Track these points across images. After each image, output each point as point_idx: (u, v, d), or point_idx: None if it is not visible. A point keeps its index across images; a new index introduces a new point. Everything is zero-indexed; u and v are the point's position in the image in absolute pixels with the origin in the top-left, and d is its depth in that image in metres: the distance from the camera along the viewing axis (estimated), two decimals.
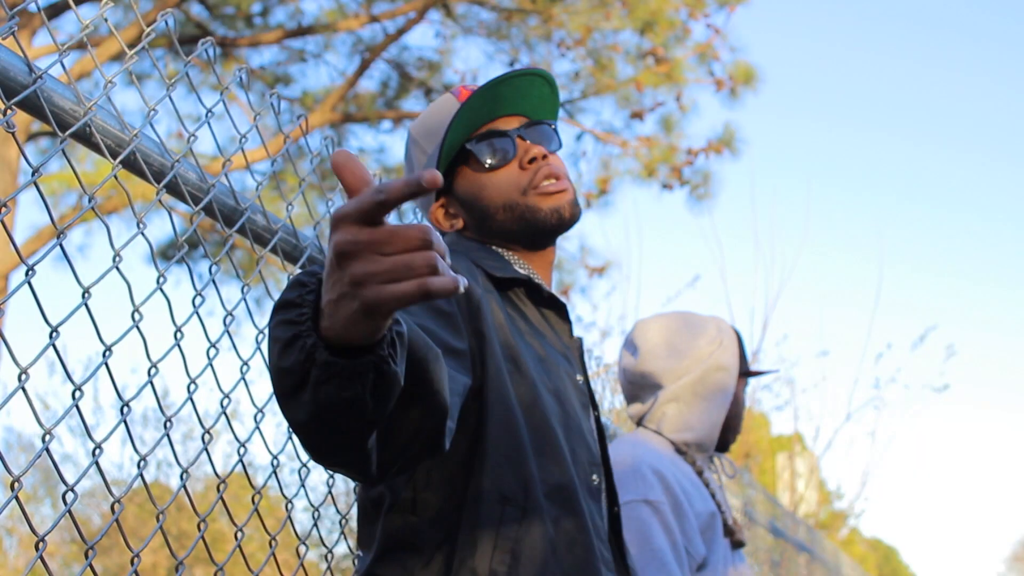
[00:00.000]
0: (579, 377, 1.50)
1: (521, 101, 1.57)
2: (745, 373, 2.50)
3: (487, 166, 1.53)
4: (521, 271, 1.53)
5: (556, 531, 1.31)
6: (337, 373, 0.89)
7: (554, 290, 1.55)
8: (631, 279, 16.95)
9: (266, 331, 1.01)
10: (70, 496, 1.26)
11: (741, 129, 9.75)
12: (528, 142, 1.54)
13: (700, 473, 2.37)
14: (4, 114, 1.25)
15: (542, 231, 1.52)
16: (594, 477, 1.41)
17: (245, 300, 1.82)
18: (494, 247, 1.56)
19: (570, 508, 1.33)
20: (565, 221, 1.52)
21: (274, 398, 1.80)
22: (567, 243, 10.47)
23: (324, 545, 1.96)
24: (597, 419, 1.57)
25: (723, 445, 2.51)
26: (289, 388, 0.93)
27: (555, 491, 1.33)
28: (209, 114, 1.69)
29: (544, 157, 1.53)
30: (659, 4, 9.18)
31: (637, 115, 9.62)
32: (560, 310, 1.54)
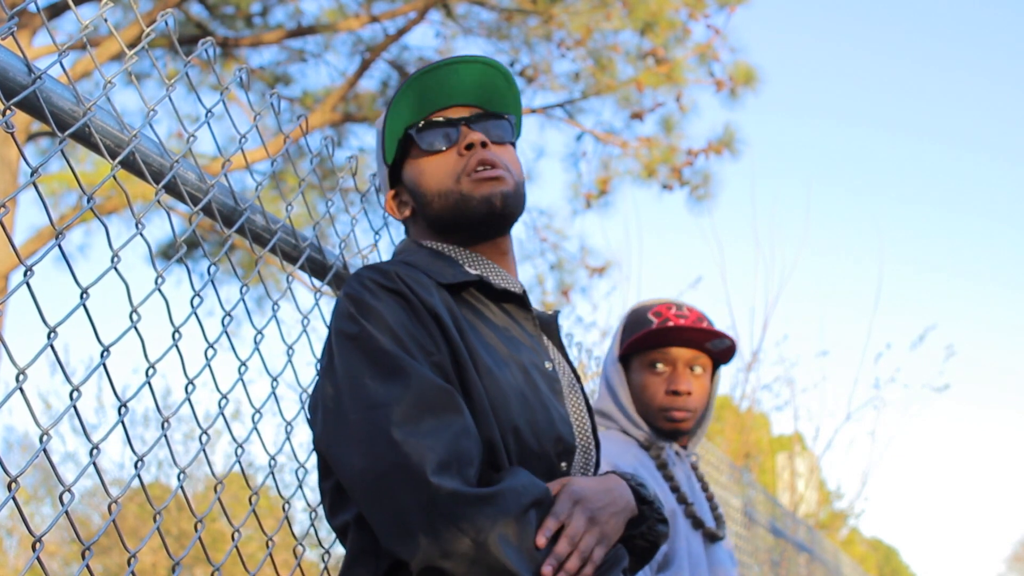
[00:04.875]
0: (547, 364, 1.48)
1: (474, 91, 1.54)
2: (622, 356, 2.42)
3: (425, 150, 1.52)
4: (472, 271, 1.50)
5: None
6: None
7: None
8: (631, 279, 16.92)
9: None
10: (68, 496, 1.26)
11: (741, 130, 9.75)
12: (472, 130, 1.52)
13: (664, 467, 2.34)
14: (3, 114, 1.25)
15: (472, 221, 1.49)
16: (562, 465, 1.40)
17: (244, 300, 1.82)
18: (444, 247, 1.54)
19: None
20: (496, 211, 1.49)
21: (273, 399, 1.80)
22: (567, 243, 10.48)
23: (322, 545, 1.96)
24: (586, 398, 1.57)
25: (664, 433, 2.40)
26: None
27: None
28: (209, 114, 1.69)
29: (484, 145, 1.50)
30: (659, 5, 9.18)
31: (637, 115, 9.62)
32: (518, 300, 1.53)
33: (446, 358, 1.33)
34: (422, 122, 1.53)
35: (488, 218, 1.49)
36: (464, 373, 1.33)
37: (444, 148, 1.52)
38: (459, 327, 1.37)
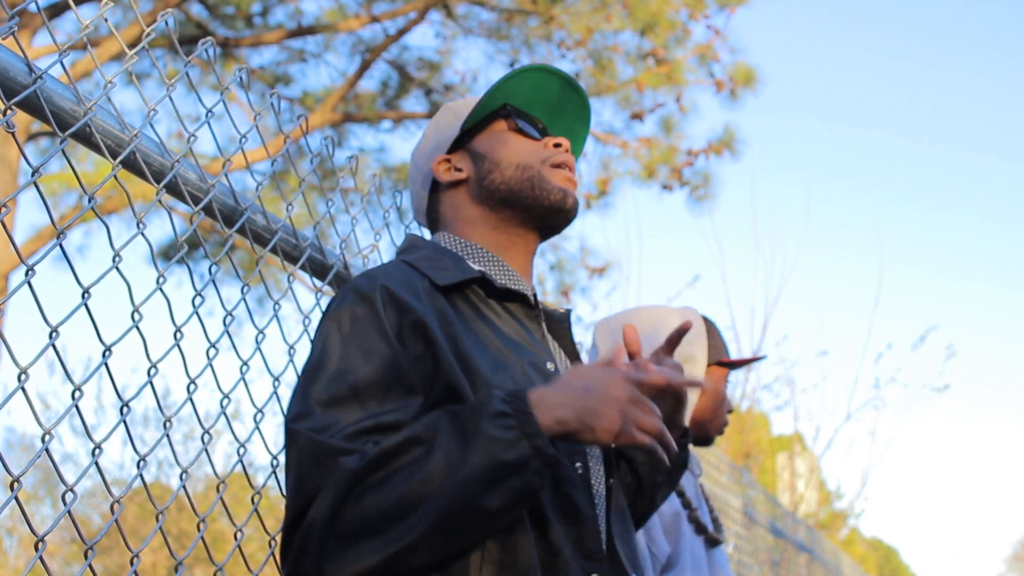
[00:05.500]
0: (549, 365, 1.44)
1: (560, 124, 1.67)
2: (720, 364, 2.46)
3: (518, 127, 1.58)
4: (475, 267, 1.48)
5: (527, 541, 1.26)
6: (549, 462, 1.18)
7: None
8: (631, 279, 16.94)
9: (471, 428, 1.18)
10: (70, 496, 1.26)
11: (741, 130, 9.76)
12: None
13: None
14: (4, 114, 1.25)
15: (539, 202, 1.51)
16: (577, 465, 1.37)
17: (245, 300, 1.82)
18: (455, 241, 1.53)
19: (539, 514, 1.29)
20: (566, 207, 1.52)
21: (274, 398, 1.79)
22: (567, 243, 10.48)
23: None
24: None
25: (704, 440, 2.47)
26: (498, 477, 1.15)
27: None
28: (209, 114, 1.69)
29: (567, 152, 1.59)
30: (660, 5, 9.18)
31: (637, 116, 9.62)
32: (523, 299, 1.50)
33: (410, 362, 1.28)
34: (519, 110, 1.60)
35: (555, 207, 1.52)
36: (454, 380, 1.29)
37: (535, 136, 1.59)
38: (450, 333, 1.34)
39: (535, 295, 1.55)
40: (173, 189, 1.60)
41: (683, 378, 1.38)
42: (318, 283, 2.02)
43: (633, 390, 1.26)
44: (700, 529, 2.37)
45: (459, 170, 1.57)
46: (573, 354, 1.57)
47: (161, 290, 1.51)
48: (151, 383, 1.49)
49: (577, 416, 1.22)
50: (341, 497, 1.16)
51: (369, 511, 1.15)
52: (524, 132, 1.58)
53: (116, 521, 1.34)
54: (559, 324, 1.57)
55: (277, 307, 1.88)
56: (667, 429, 1.59)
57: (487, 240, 1.54)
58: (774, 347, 13.80)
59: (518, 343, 1.43)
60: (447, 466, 1.15)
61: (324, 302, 1.99)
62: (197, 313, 1.59)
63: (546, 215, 1.53)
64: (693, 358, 2.40)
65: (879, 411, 17.24)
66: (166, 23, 1.55)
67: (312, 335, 1.91)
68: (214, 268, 1.69)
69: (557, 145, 1.57)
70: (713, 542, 2.39)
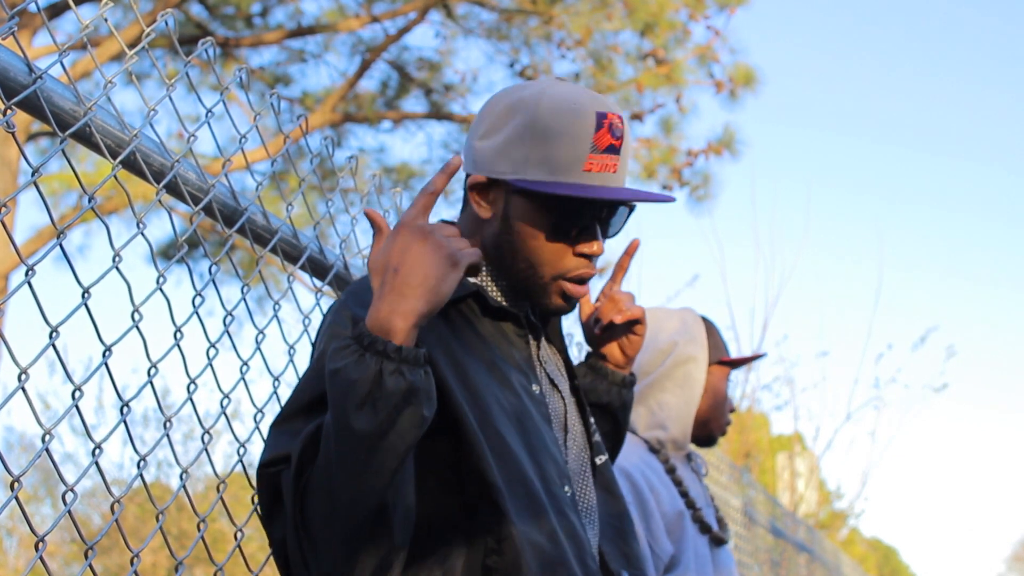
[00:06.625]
0: (535, 387, 1.44)
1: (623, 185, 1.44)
2: (721, 363, 2.47)
3: (552, 228, 1.40)
4: (471, 280, 1.44)
5: (533, 553, 1.28)
6: (406, 358, 1.14)
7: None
8: (631, 279, 16.93)
9: (328, 373, 1.17)
10: (70, 496, 1.26)
11: (741, 130, 9.75)
12: (597, 231, 1.42)
13: (672, 471, 2.37)
14: (4, 114, 1.25)
15: (533, 303, 1.47)
16: (566, 488, 1.38)
17: (245, 300, 1.82)
18: None
19: (543, 527, 1.31)
20: (557, 315, 1.51)
21: (275, 398, 1.80)
22: None
23: None
24: (585, 422, 1.54)
25: (707, 439, 2.48)
26: (360, 396, 1.12)
27: (526, 514, 1.30)
28: (209, 114, 1.69)
29: (593, 257, 1.43)
30: (660, 5, 9.18)
31: (637, 116, 9.62)
32: (515, 319, 1.47)
33: None
34: (572, 181, 1.38)
35: (543, 315, 1.50)
36: (454, 400, 1.28)
37: (567, 232, 1.40)
38: (443, 349, 1.33)
39: (528, 315, 1.52)
40: (173, 189, 1.60)
41: (639, 308, 1.67)
42: (318, 283, 2.02)
43: (420, 228, 1.22)
44: (704, 528, 2.37)
45: (493, 204, 1.42)
46: (563, 349, 1.58)
47: (161, 290, 1.51)
48: (151, 383, 1.49)
49: (417, 295, 1.18)
50: (292, 506, 1.19)
51: (310, 501, 1.18)
52: (558, 230, 1.40)
53: (116, 521, 1.34)
54: (549, 319, 1.56)
55: (277, 307, 1.88)
56: (622, 357, 1.73)
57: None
58: (774, 347, 13.81)
59: (508, 363, 1.42)
60: (327, 423, 1.17)
61: (324, 302, 1.99)
62: (197, 313, 1.59)
63: (534, 310, 1.50)
64: (694, 358, 2.41)
65: (879, 411, 17.27)
66: (166, 23, 1.55)
67: (311, 336, 1.92)
68: (214, 268, 1.69)
69: (582, 254, 1.41)
70: (718, 541, 2.40)
